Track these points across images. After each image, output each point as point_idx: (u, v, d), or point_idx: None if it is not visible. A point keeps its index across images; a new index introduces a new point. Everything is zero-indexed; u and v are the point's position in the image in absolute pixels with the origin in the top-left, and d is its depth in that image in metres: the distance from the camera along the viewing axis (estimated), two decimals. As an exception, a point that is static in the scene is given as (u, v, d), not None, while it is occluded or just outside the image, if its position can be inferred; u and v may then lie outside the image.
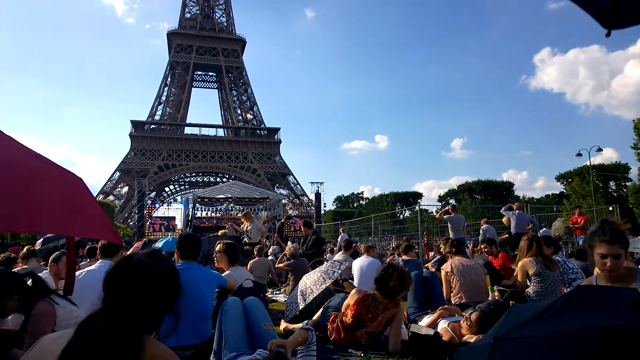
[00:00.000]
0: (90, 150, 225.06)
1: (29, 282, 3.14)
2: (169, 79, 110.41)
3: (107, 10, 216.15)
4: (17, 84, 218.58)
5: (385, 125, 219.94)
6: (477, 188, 32.11)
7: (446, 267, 5.71)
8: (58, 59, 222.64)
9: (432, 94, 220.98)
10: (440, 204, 29.86)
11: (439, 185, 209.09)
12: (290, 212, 36.18)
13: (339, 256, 8.68)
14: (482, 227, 12.96)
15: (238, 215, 38.98)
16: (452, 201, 30.10)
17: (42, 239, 10.00)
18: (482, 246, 7.76)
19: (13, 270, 4.39)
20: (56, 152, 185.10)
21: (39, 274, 3.69)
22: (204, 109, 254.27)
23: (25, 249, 6.67)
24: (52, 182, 1.79)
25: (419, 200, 34.20)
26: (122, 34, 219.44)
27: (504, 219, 12.35)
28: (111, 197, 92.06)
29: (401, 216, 27.65)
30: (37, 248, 8.21)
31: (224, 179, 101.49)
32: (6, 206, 1.52)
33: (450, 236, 11.87)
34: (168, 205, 36.42)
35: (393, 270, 3.96)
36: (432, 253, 14.28)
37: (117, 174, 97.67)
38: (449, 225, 12.20)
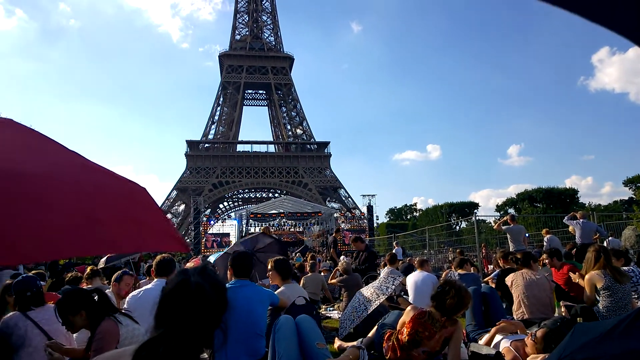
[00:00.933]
0: (151, 170, 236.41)
1: (96, 298, 3.30)
2: (221, 98, 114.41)
3: (163, 37, 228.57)
4: (83, 109, 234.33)
5: (436, 134, 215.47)
6: (537, 196, 30.52)
7: (513, 278, 5.42)
8: (120, 84, 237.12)
9: (484, 99, 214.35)
10: (498, 214, 28.63)
11: (496, 195, 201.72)
12: (342, 225, 36.08)
13: (385, 271, 8.48)
14: (544, 238, 12.26)
15: (291, 229, 39.42)
16: (511, 211, 28.78)
17: (105, 258, 10.50)
18: (544, 257, 7.32)
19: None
20: (120, 173, 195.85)
21: (103, 292, 3.85)
22: (255, 126, 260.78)
23: (89, 269, 7.02)
24: (114, 198, 1.77)
25: (476, 211, 32.95)
26: (177, 59, 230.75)
27: (570, 229, 11.62)
28: (169, 215, 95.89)
29: (457, 227, 26.80)
30: (100, 267, 8.62)
31: (276, 195, 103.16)
32: (69, 232, 1.51)
33: (510, 248, 11.32)
34: (222, 222, 37.40)
35: (450, 286, 3.79)
36: (492, 266, 13.66)
37: (174, 192, 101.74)
38: (508, 236, 11.65)
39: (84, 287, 6.16)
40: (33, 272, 7.84)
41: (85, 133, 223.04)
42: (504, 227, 11.69)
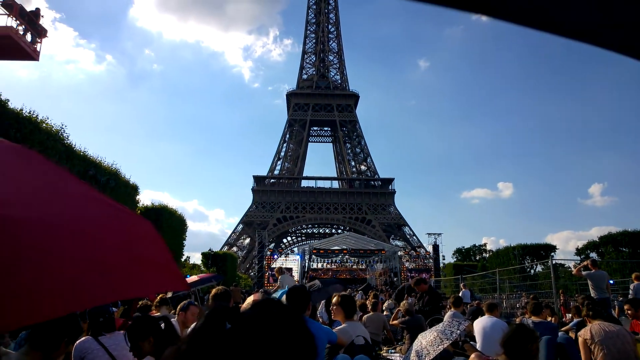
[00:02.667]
0: (217, 205, 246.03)
1: (163, 326, 3.42)
2: (288, 135, 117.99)
3: (237, 78, 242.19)
4: (159, 147, 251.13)
5: (508, 171, 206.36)
6: (623, 240, 27.89)
7: (584, 334, 4.90)
8: (194, 123, 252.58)
9: (560, 135, 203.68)
10: (578, 258, 26.48)
11: (576, 237, 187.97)
12: (406, 264, 35.11)
13: (449, 314, 8.03)
14: (632, 285, 11.13)
15: (354, 267, 38.94)
16: (592, 255, 26.51)
17: (173, 287, 10.89)
18: (625, 307, 6.61)
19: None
20: (189, 207, 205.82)
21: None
22: (320, 162, 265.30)
23: (158, 297, 7.28)
24: (122, 237, 1.72)
25: (553, 254, 30.63)
26: (248, 98, 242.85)
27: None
28: (234, 249, 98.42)
29: (532, 271, 25.06)
30: (168, 296, 8.93)
31: (339, 230, 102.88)
32: (81, 283, 1.43)
33: (592, 296, 10.37)
34: (286, 257, 37.81)
35: (523, 332, 3.50)
36: (570, 315, 12.55)
37: (240, 226, 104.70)
38: (589, 283, 10.71)
39: (153, 315, 6.41)
40: (107, 298, 8.25)
41: (159, 169, 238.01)
42: (584, 273, 10.80)
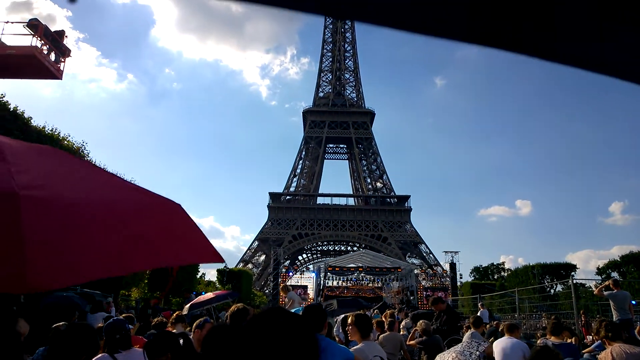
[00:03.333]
0: (234, 222, 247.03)
1: (181, 342, 3.43)
2: (304, 152, 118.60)
3: (254, 96, 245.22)
4: (177, 163, 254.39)
5: (526, 189, 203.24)
6: (645, 259, 27.14)
7: (605, 356, 4.73)
8: (212, 140, 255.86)
9: (580, 153, 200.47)
10: (599, 277, 25.76)
11: (597, 256, 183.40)
12: (423, 283, 34.58)
13: (468, 335, 7.85)
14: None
15: (369, 285, 38.52)
16: (614, 274, 25.78)
17: (189, 305, 10.90)
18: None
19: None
20: (205, 224, 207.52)
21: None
22: (336, 179, 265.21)
23: (175, 315, 7.30)
24: (153, 214, 1.88)
25: (573, 273, 29.88)
26: (265, 115, 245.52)
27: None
28: (250, 265, 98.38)
29: (552, 291, 24.44)
30: (184, 313, 8.94)
31: (355, 248, 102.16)
32: (116, 251, 1.62)
33: (614, 317, 10.06)
34: (301, 274, 37.60)
35: (547, 355, 3.40)
36: (592, 336, 12.18)
37: (256, 243, 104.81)
38: (611, 303, 10.41)
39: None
40: (123, 315, 8.33)
41: (176, 185, 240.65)
42: (605, 293, 10.51)
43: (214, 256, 1.95)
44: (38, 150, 2.08)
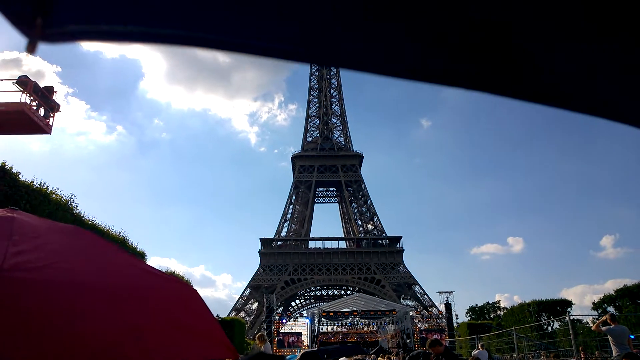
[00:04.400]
0: (225, 269, 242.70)
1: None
2: (294, 197, 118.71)
3: (243, 143, 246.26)
4: (167, 213, 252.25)
5: (517, 226, 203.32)
6: (640, 292, 27.11)
7: None
8: (201, 188, 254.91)
9: (568, 188, 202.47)
10: (596, 312, 25.55)
11: (591, 291, 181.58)
12: (419, 324, 33.93)
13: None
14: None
15: (365, 329, 37.69)
16: (610, 309, 25.61)
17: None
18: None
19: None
20: (195, 273, 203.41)
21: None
22: (327, 222, 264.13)
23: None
24: (166, 305, 1.76)
25: (569, 310, 29.59)
26: (254, 161, 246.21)
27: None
28: (242, 314, 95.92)
29: (549, 328, 24.12)
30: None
31: (349, 292, 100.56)
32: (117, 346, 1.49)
33: (614, 353, 9.95)
34: (295, 320, 36.76)
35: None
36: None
37: (248, 290, 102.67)
38: (609, 339, 10.31)
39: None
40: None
41: (165, 235, 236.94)
42: (603, 328, 10.43)
43: (228, 351, 1.80)
44: (59, 229, 2.00)
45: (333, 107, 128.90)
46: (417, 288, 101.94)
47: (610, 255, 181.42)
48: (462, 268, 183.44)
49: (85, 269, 1.74)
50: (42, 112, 16.00)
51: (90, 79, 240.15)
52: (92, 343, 1.43)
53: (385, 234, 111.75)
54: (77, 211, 17.55)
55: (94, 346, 1.44)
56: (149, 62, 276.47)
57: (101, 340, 1.46)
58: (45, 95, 15.90)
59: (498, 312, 63.43)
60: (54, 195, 16.11)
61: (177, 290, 1.89)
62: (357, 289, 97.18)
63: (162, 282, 1.89)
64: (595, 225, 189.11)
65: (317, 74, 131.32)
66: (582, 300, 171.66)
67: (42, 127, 15.71)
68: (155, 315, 1.69)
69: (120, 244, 20.36)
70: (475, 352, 15.27)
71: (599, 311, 25.55)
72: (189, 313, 1.81)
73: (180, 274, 27.13)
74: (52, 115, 16.55)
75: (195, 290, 1.92)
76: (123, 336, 1.51)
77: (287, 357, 12.60)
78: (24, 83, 14.96)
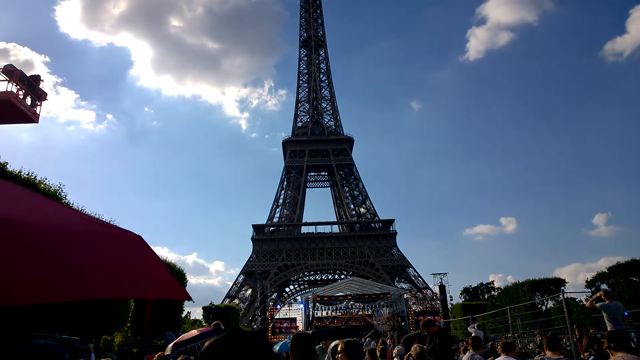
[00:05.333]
0: (218, 257, 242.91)
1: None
2: (285, 182, 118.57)
3: (234, 129, 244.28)
4: (158, 202, 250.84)
5: (510, 206, 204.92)
6: (632, 269, 27.51)
7: None
8: (193, 176, 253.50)
9: (559, 168, 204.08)
10: (589, 290, 25.95)
11: (585, 269, 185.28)
12: (413, 307, 34.27)
13: (467, 357, 7.72)
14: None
15: (360, 313, 38.00)
16: (603, 286, 26.01)
17: (172, 344, 10.52)
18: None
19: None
20: (188, 260, 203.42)
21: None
22: (319, 207, 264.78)
23: (156, 356, 7.04)
24: (101, 244, 1.79)
25: (563, 288, 30.01)
26: (246, 147, 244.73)
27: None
28: (236, 301, 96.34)
29: (543, 307, 24.45)
30: (167, 354, 8.62)
31: (342, 276, 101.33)
32: (48, 278, 1.54)
33: (608, 329, 10.06)
34: (289, 306, 36.94)
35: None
36: (588, 352, 12.10)
37: (241, 277, 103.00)
38: (604, 315, 10.43)
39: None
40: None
41: (157, 224, 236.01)
42: (597, 305, 10.55)
43: (178, 292, 1.85)
44: None
45: (323, 91, 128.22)
46: (410, 270, 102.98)
47: (602, 234, 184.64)
48: (456, 249, 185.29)
49: (17, 211, 1.76)
50: (28, 100, 15.67)
51: (80, 68, 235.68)
52: (31, 278, 1.48)
53: (378, 217, 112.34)
54: (67, 200, 17.28)
55: (32, 282, 1.48)
56: (138, 49, 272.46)
57: (40, 276, 1.51)
58: (31, 84, 15.55)
59: (492, 292, 64.31)
60: (42, 185, 15.86)
61: (119, 235, 1.91)
62: (351, 273, 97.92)
63: (101, 227, 1.93)
64: (587, 204, 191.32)
65: (305, 59, 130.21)
66: (576, 278, 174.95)
67: (29, 116, 15.38)
68: (96, 255, 1.72)
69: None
70: (471, 329, 15.40)
71: (592, 289, 25.95)
72: (132, 255, 1.84)
73: (173, 262, 27.01)
74: (39, 104, 16.21)
75: (139, 236, 1.92)
76: (63, 272, 1.56)
77: (281, 342, 12.63)
78: (10, 72, 14.61)
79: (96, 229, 1.88)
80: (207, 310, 36.12)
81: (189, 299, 1.94)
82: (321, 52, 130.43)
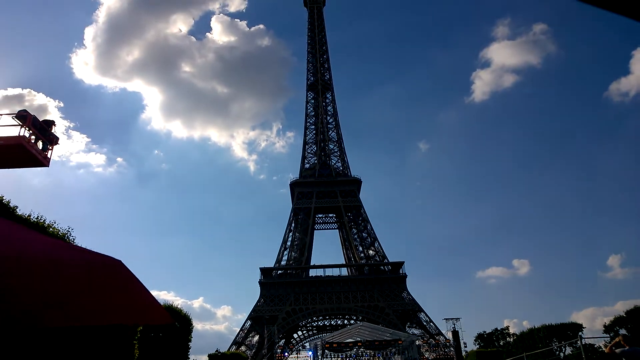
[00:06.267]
0: (225, 302, 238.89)
1: None
2: (293, 224, 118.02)
3: (242, 171, 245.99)
4: (165, 243, 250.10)
5: (522, 248, 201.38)
6: (651, 312, 26.50)
7: None
8: (198, 218, 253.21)
9: (569, 208, 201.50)
10: (608, 335, 24.91)
11: (602, 313, 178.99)
12: (426, 354, 33.07)
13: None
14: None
15: (370, 360, 36.65)
16: (622, 331, 25.00)
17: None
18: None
19: None
20: (194, 305, 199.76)
21: None
22: (327, 249, 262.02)
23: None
24: (81, 270, 1.79)
25: (580, 333, 28.88)
26: (254, 189, 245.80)
27: None
28: (243, 348, 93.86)
29: (561, 354, 23.44)
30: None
31: (352, 321, 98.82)
32: (33, 304, 1.56)
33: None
34: (297, 354, 35.84)
35: None
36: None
37: (249, 322, 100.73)
38: (627, 363, 9.91)
39: None
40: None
41: (164, 267, 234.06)
42: (617, 351, 10.07)
43: (161, 316, 1.81)
44: None
45: (330, 133, 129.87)
46: (422, 315, 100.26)
47: (618, 276, 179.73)
48: (468, 293, 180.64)
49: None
50: (40, 145, 15.91)
51: (92, 113, 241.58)
52: (15, 311, 1.49)
53: (387, 260, 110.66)
54: (75, 244, 17.23)
55: (18, 314, 1.50)
56: (149, 94, 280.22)
57: (24, 308, 1.54)
58: (44, 129, 15.84)
59: (507, 338, 62.11)
60: (50, 229, 15.84)
61: (100, 262, 1.88)
62: (360, 317, 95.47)
63: (83, 255, 1.92)
64: (600, 245, 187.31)
65: (313, 101, 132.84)
66: (593, 323, 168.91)
67: (40, 160, 15.57)
68: (78, 284, 1.72)
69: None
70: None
71: (611, 334, 24.93)
72: (112, 280, 1.83)
73: (179, 306, 26.45)
74: (50, 148, 16.44)
75: (120, 261, 1.90)
76: (46, 303, 1.57)
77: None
78: (23, 117, 14.92)
79: (76, 256, 1.85)
80: (213, 358, 35.12)
81: (170, 321, 1.93)
82: (328, 95, 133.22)
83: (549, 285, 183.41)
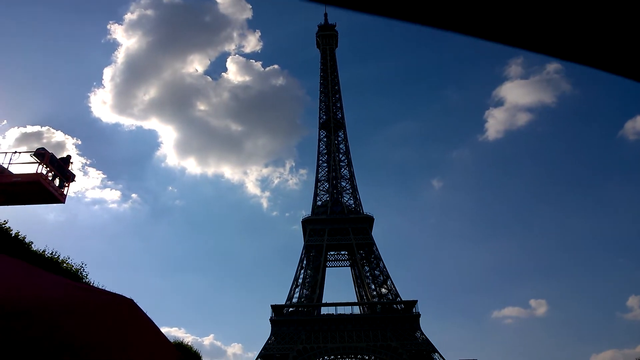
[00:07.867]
0: (235, 339, 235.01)
1: None
2: (305, 261, 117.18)
3: (255, 207, 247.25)
4: (177, 280, 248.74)
5: (539, 288, 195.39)
6: (671, 355, 25.57)
7: None
8: (213, 254, 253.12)
9: (588, 247, 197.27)
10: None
11: (622, 356, 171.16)
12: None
13: None
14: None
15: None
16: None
17: None
18: None
19: None
20: (205, 342, 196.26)
21: None
22: (339, 287, 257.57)
23: None
24: (91, 311, 1.82)
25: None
26: (267, 226, 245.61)
27: None
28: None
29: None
30: None
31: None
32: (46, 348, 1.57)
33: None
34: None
35: None
36: None
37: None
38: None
39: None
40: None
41: (174, 304, 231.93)
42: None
43: (171, 355, 1.90)
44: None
45: (342, 170, 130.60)
46: (436, 356, 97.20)
47: (638, 317, 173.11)
48: (484, 333, 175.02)
49: (12, 293, 1.78)
50: (57, 182, 16.54)
51: (108, 150, 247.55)
52: (26, 354, 1.51)
53: (400, 298, 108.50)
54: (87, 280, 17.56)
55: (29, 358, 1.52)
56: (165, 132, 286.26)
57: (34, 351, 1.53)
58: (61, 166, 16.53)
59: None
60: (64, 264, 16.24)
61: (111, 301, 1.93)
62: (372, 357, 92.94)
63: (93, 295, 1.97)
64: (620, 286, 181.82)
65: (325, 139, 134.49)
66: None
67: (56, 197, 16.17)
68: (91, 329, 1.75)
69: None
70: None
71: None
72: (124, 321, 1.87)
73: (189, 343, 26.36)
74: (67, 185, 17.08)
75: (131, 300, 1.96)
76: (56, 346, 1.59)
77: None
78: (41, 155, 15.64)
79: (86, 297, 1.93)
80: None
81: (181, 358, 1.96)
82: (340, 133, 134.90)
83: (568, 326, 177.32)
